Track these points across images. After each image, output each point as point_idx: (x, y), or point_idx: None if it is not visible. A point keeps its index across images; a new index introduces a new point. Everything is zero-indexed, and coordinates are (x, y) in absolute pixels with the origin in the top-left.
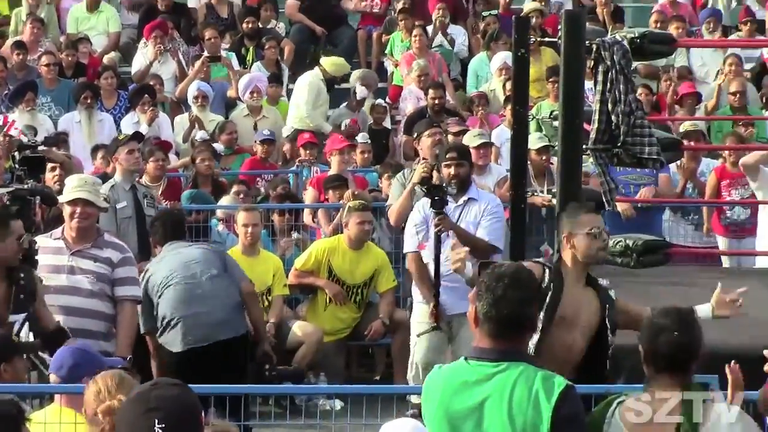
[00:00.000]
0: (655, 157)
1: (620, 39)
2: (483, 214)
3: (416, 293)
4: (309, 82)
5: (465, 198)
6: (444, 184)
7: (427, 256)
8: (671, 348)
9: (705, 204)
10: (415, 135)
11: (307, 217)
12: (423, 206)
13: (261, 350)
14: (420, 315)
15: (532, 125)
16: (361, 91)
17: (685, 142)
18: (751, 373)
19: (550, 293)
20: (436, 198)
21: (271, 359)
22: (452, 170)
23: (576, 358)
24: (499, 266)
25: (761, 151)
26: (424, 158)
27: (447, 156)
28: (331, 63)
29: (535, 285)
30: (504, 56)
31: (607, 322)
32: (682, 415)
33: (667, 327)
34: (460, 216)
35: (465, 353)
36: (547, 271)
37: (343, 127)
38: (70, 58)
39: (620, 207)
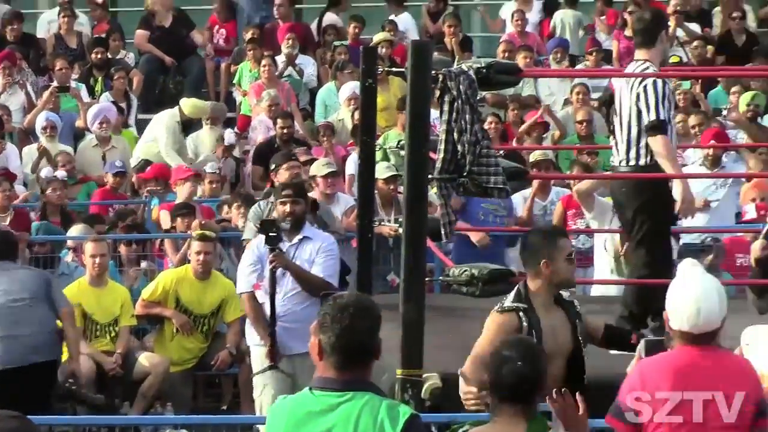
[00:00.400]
0: (500, 186)
1: (466, 69)
2: (318, 252)
3: (251, 335)
4: (166, 124)
5: (300, 237)
6: (278, 221)
7: (263, 296)
8: (515, 378)
9: None
10: (273, 167)
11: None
12: (257, 245)
13: (70, 368)
14: (257, 357)
15: (380, 155)
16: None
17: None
18: (595, 400)
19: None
20: (270, 234)
21: (77, 379)
22: (287, 207)
23: (560, 382)
24: (341, 297)
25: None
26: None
27: (283, 193)
28: (191, 105)
29: (378, 313)
30: (353, 86)
31: (579, 338)
32: None
33: (511, 358)
34: (295, 255)
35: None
36: (522, 315)
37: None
38: None
39: (475, 237)
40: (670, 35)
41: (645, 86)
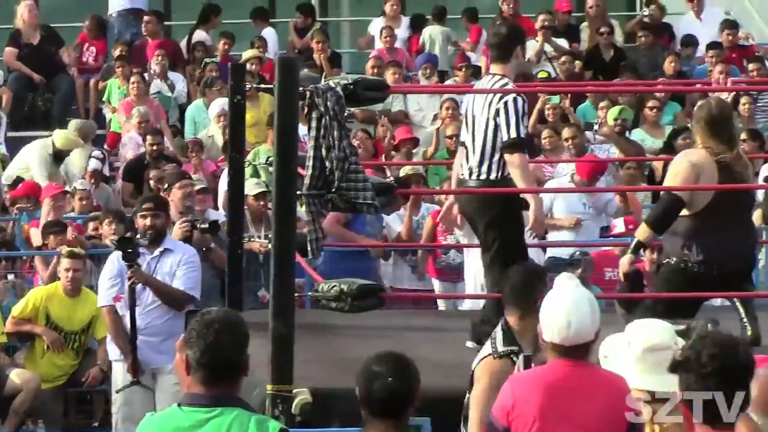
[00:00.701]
0: (369, 202)
1: (334, 85)
2: (179, 264)
3: (112, 350)
4: (38, 156)
5: (161, 249)
6: (137, 236)
7: (123, 309)
8: (385, 394)
9: (420, 247)
10: (166, 186)
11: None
12: (117, 258)
13: None
14: (118, 372)
15: (251, 171)
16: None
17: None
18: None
19: None
20: (127, 251)
21: None
22: (148, 221)
23: None
24: (208, 312)
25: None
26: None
27: (143, 207)
28: (63, 138)
29: (245, 329)
30: (222, 102)
31: None
32: None
33: (381, 374)
34: (155, 267)
35: (168, 403)
36: (515, 359)
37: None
38: None
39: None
40: (537, 51)
41: (506, 102)
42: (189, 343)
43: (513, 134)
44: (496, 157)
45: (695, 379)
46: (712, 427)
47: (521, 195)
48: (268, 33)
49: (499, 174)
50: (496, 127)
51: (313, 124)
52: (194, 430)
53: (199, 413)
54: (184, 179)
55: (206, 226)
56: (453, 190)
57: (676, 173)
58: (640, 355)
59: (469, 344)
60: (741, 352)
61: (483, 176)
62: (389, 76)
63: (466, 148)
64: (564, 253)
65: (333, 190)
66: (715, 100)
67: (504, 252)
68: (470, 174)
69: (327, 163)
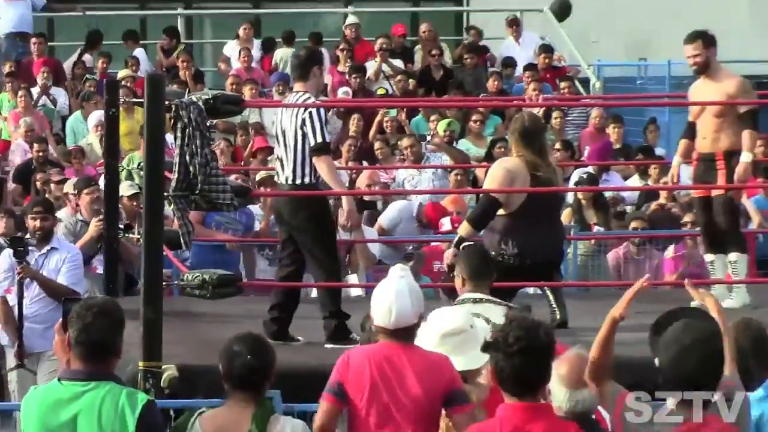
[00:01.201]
0: (228, 202)
1: (196, 100)
2: (64, 261)
3: (2, 336)
4: None
5: (48, 248)
6: (26, 236)
7: (13, 300)
8: (245, 370)
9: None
10: (75, 191)
11: None
12: (9, 255)
13: None
14: (9, 355)
15: (125, 174)
16: None
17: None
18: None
19: None
20: (18, 249)
21: None
22: (37, 223)
23: None
24: (91, 298)
25: None
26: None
27: (33, 210)
28: None
29: (120, 315)
30: (99, 114)
31: None
32: (253, 423)
33: (241, 352)
34: (43, 263)
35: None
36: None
37: None
38: None
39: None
40: (376, 70)
41: (310, 113)
42: (70, 323)
43: (319, 140)
44: (307, 162)
45: (503, 357)
46: (519, 399)
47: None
48: (140, 53)
49: (311, 178)
50: (304, 136)
51: (179, 133)
52: (72, 402)
53: (77, 386)
54: (91, 185)
55: (122, 227)
56: (285, 192)
57: (494, 178)
58: (438, 341)
59: (328, 346)
60: (542, 334)
61: (298, 181)
62: (246, 92)
63: (280, 160)
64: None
65: (196, 192)
66: (528, 114)
67: (318, 247)
68: (285, 180)
69: (191, 168)
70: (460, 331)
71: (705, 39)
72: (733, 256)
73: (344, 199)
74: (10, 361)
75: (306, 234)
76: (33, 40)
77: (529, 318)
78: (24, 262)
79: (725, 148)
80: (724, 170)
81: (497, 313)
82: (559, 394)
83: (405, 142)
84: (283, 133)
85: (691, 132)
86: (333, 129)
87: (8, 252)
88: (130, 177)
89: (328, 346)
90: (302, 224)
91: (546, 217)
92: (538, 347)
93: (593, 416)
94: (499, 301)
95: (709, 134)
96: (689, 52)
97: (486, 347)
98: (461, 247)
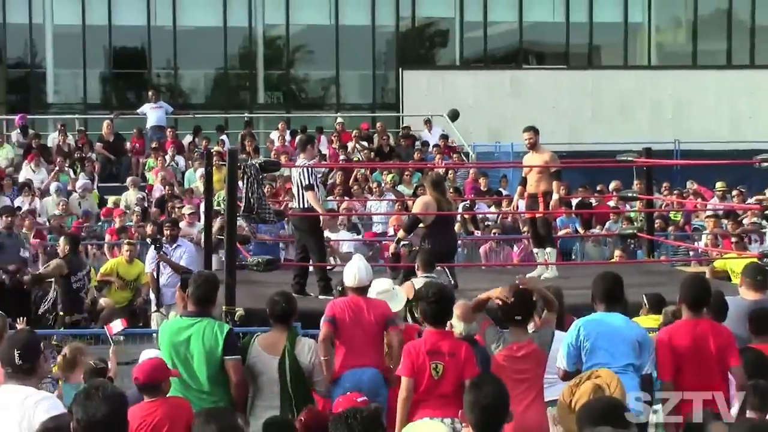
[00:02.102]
0: (272, 219)
1: (255, 162)
2: (183, 253)
3: (152, 295)
4: None
5: (175, 245)
6: (163, 238)
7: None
8: (280, 311)
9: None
10: (188, 212)
11: None
12: (152, 249)
13: None
14: (152, 303)
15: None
16: None
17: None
18: None
19: None
20: (156, 245)
21: None
22: (169, 231)
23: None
24: (200, 272)
25: None
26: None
27: (166, 224)
28: None
29: (217, 281)
30: (201, 170)
31: None
32: (287, 341)
33: (278, 301)
34: (171, 253)
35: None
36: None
37: None
38: None
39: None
40: (352, 147)
41: (305, 170)
42: (189, 284)
43: (305, 183)
44: (303, 195)
45: (426, 303)
46: (434, 327)
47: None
48: (225, 138)
49: (307, 204)
50: (300, 180)
51: (244, 181)
52: (187, 328)
53: (190, 321)
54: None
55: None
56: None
57: (417, 206)
58: (375, 295)
59: (320, 297)
60: (447, 292)
61: (301, 206)
62: (283, 159)
63: (294, 195)
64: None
65: (254, 213)
66: (435, 172)
67: (314, 240)
68: (297, 205)
69: (251, 200)
70: (387, 290)
71: (534, 130)
72: (548, 249)
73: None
74: (153, 308)
75: (307, 234)
76: (167, 131)
77: (440, 282)
78: (162, 252)
79: (543, 190)
80: (542, 202)
81: None
82: (457, 325)
83: (374, 184)
84: (294, 180)
85: (524, 181)
86: (327, 179)
87: (152, 247)
88: (218, 205)
89: (320, 297)
90: (305, 229)
91: (446, 228)
92: (444, 298)
93: (474, 338)
94: None
95: (534, 183)
96: (525, 137)
97: (415, 297)
98: (399, 243)
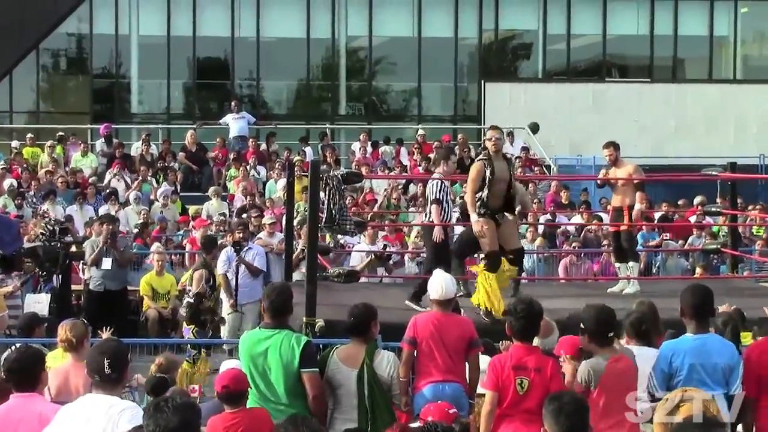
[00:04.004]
0: (353, 230)
1: (337, 173)
2: (255, 255)
3: (224, 299)
4: None
5: (247, 247)
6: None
7: (231, 275)
8: (355, 320)
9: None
10: (268, 222)
11: None
12: (226, 251)
13: None
14: (226, 305)
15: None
16: None
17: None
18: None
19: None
20: (236, 248)
21: None
22: (242, 235)
23: (503, 193)
24: (272, 283)
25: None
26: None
27: (239, 227)
28: None
29: (290, 291)
30: (283, 181)
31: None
32: (366, 353)
33: (352, 315)
34: (245, 255)
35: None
36: (484, 163)
37: None
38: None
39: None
40: (434, 159)
41: (435, 183)
42: (263, 297)
43: (434, 196)
44: (428, 208)
45: (513, 318)
46: (521, 342)
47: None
48: (309, 150)
49: (430, 217)
50: (429, 192)
51: (326, 192)
52: (266, 340)
53: (269, 332)
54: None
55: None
56: (396, 224)
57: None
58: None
59: (407, 302)
60: (535, 306)
61: (428, 218)
62: (364, 170)
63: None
64: None
65: (335, 224)
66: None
67: (434, 251)
68: (425, 217)
69: (333, 211)
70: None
71: (615, 145)
72: (631, 263)
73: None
74: (227, 309)
75: (428, 245)
76: (249, 140)
77: (528, 297)
78: (240, 254)
79: (628, 204)
80: (627, 216)
81: None
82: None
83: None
84: (427, 192)
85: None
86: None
87: (230, 249)
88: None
89: (406, 302)
90: (427, 239)
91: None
92: (532, 313)
93: (553, 352)
94: None
95: (618, 196)
96: (606, 153)
97: (504, 313)
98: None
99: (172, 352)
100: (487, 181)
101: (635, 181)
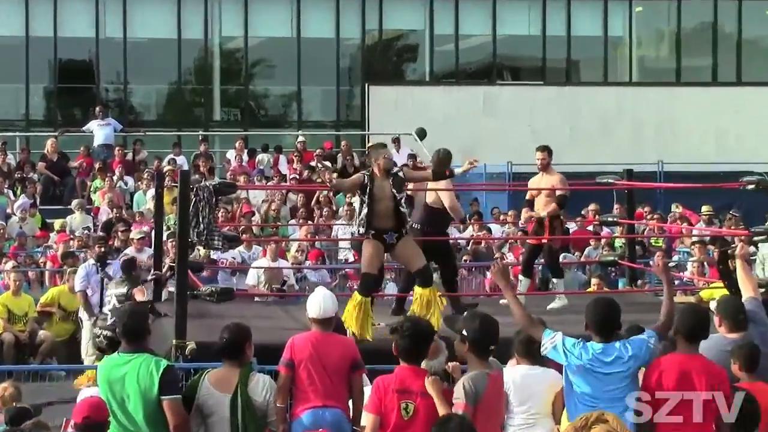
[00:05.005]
0: (221, 246)
1: (208, 185)
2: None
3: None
4: None
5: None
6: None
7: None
8: (226, 346)
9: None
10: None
11: None
12: (86, 266)
13: None
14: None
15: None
16: None
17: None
18: None
19: (367, 184)
20: (101, 264)
21: None
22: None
23: (390, 212)
24: (123, 306)
25: None
26: None
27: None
28: None
29: (146, 311)
30: (152, 192)
31: (392, 188)
32: (239, 377)
33: (224, 336)
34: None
35: None
36: (365, 176)
37: None
38: None
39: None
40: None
41: None
42: (116, 322)
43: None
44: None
45: (399, 340)
46: (408, 364)
47: None
48: (182, 159)
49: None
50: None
51: (196, 204)
52: (124, 365)
53: (126, 356)
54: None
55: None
56: (279, 238)
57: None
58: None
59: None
60: (422, 326)
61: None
62: (241, 179)
63: None
64: None
65: (203, 238)
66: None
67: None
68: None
69: (202, 225)
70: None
71: (549, 150)
72: (555, 280)
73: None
74: (87, 330)
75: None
76: (115, 149)
77: (416, 317)
78: (104, 270)
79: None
80: (548, 228)
81: None
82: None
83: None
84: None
85: (528, 204)
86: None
87: (89, 264)
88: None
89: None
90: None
91: None
92: (419, 332)
93: (446, 373)
94: None
95: (542, 207)
96: (539, 157)
97: (391, 331)
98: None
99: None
100: (366, 198)
101: (557, 193)
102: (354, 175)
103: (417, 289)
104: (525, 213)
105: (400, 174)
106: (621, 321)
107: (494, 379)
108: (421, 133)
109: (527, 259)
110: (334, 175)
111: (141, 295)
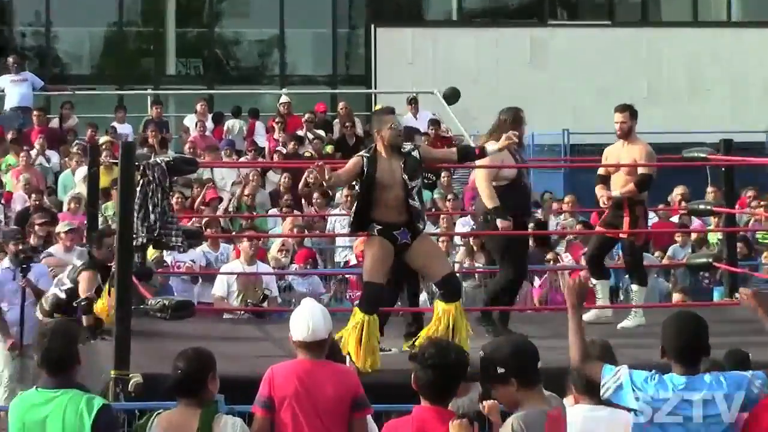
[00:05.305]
0: (180, 243)
1: (160, 161)
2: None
3: None
4: None
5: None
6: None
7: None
8: (181, 380)
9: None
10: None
11: None
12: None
13: None
14: None
15: (101, 220)
16: None
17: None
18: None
19: (366, 170)
20: (23, 267)
21: None
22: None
23: (400, 203)
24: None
25: None
26: None
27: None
28: None
29: (74, 332)
30: (85, 170)
31: (404, 173)
32: (199, 421)
33: (178, 367)
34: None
35: None
36: (364, 159)
37: None
38: None
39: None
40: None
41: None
42: (35, 348)
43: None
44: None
45: (420, 368)
46: (431, 403)
47: None
48: (125, 127)
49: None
50: None
51: (143, 188)
52: (45, 405)
53: (49, 393)
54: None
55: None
56: (249, 234)
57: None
58: None
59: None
60: (452, 354)
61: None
62: (206, 156)
63: None
64: None
65: (155, 234)
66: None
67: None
68: None
69: (151, 216)
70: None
71: (632, 111)
72: (635, 287)
73: None
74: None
75: None
76: (34, 113)
77: (444, 340)
78: (25, 275)
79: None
80: (628, 216)
81: None
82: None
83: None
84: None
85: (602, 179)
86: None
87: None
88: (105, 221)
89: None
90: None
91: None
92: (447, 364)
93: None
94: None
95: (619, 187)
96: (618, 119)
97: (409, 358)
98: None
99: None
100: (365, 185)
101: (639, 170)
102: (350, 160)
103: (440, 305)
104: (600, 191)
105: (415, 153)
106: (717, 343)
107: (554, 420)
108: (452, 95)
109: (599, 254)
110: (335, 173)
111: (87, 282)
